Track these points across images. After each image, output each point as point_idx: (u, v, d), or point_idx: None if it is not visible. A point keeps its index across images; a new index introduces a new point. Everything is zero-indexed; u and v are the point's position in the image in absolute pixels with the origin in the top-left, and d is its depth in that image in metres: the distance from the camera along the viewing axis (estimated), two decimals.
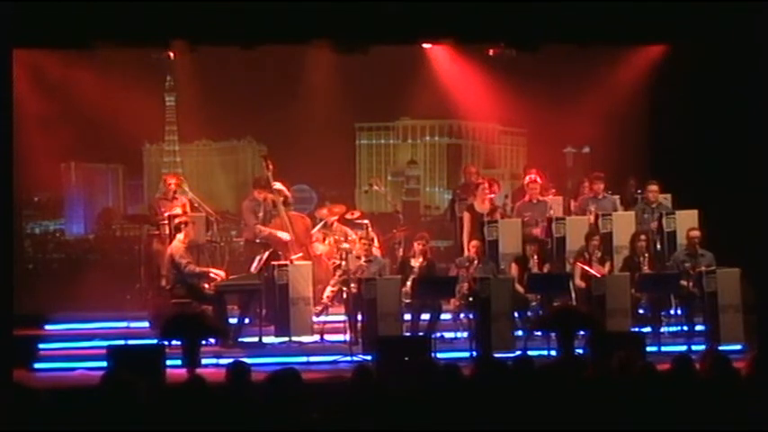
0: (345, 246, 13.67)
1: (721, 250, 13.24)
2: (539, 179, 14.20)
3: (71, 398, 7.04)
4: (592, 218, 13.88)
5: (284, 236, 13.84)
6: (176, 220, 13.20)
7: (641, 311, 13.08)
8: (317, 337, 13.12)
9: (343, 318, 13.18)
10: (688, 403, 7.07)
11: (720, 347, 12.05)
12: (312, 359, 12.39)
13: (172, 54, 14.69)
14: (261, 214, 13.96)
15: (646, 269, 13.10)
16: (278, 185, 13.96)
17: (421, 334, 12.63)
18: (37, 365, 12.20)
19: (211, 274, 13.01)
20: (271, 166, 14.03)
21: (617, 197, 14.61)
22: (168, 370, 11.08)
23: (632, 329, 12.57)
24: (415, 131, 17.09)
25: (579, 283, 13.06)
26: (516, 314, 12.81)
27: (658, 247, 13.87)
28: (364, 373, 7.22)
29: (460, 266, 13.28)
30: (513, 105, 15.82)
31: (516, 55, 14.78)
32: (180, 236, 12.98)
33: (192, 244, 13.26)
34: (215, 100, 15.31)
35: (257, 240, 13.88)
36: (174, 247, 12.94)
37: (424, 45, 15.34)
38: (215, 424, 6.59)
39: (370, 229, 13.58)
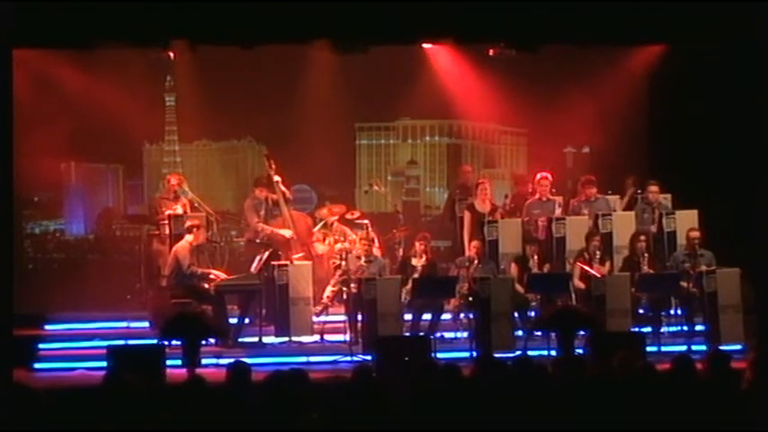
0: (345, 245, 13.68)
1: (721, 250, 13.24)
2: (549, 176, 14.19)
3: (71, 398, 7.04)
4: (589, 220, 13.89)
5: (286, 233, 13.87)
6: (189, 223, 13.22)
7: (641, 311, 13.08)
8: (317, 337, 13.13)
9: (343, 318, 13.19)
10: (688, 403, 7.07)
11: (720, 347, 12.03)
12: (312, 359, 12.39)
13: (172, 54, 14.67)
14: (262, 213, 13.98)
15: (646, 269, 13.10)
16: (277, 178, 13.98)
17: (421, 334, 12.64)
18: (37, 365, 12.20)
19: (212, 276, 13.02)
20: (273, 165, 14.06)
21: (616, 197, 14.61)
22: (168, 370, 11.09)
23: (632, 329, 12.57)
24: (415, 131, 17.07)
25: (579, 283, 13.06)
26: (516, 314, 12.82)
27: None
28: (364, 373, 7.22)
29: (460, 266, 13.28)
30: (513, 105, 15.81)
31: (516, 55, 14.78)
32: (189, 237, 13.00)
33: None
34: (215, 100, 15.29)
35: (258, 240, 13.89)
36: (179, 246, 12.95)
37: (424, 45, 15.34)
38: (215, 424, 6.59)
39: (370, 229, 13.58)
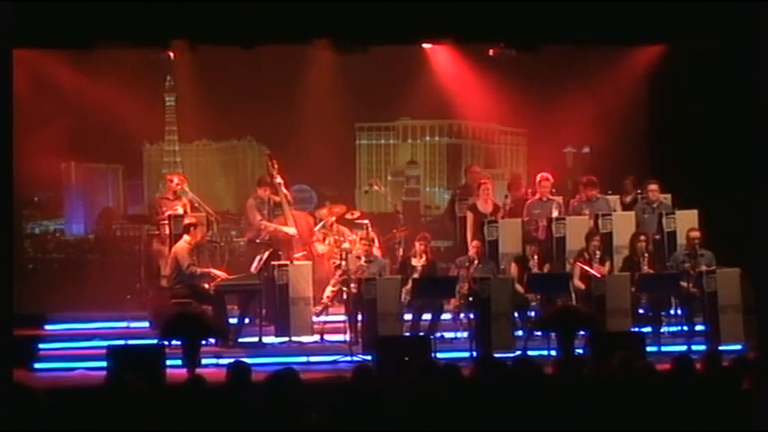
0: (345, 246, 13.68)
1: (721, 250, 13.24)
2: (550, 177, 14.18)
3: (71, 398, 7.03)
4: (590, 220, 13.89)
5: (290, 230, 13.90)
6: (186, 221, 13.23)
7: (641, 311, 13.08)
8: (317, 337, 13.13)
9: (343, 318, 13.19)
10: (688, 403, 7.07)
11: (720, 347, 12.03)
12: (312, 359, 12.41)
13: (172, 54, 14.69)
14: (265, 212, 14.00)
15: (646, 269, 13.10)
16: (279, 180, 14.00)
17: (421, 334, 12.64)
18: (37, 365, 12.22)
19: (212, 275, 13.01)
20: (276, 165, 14.07)
21: (616, 197, 14.60)
22: (168, 370, 11.08)
23: (632, 329, 12.57)
24: (415, 131, 17.07)
25: (579, 283, 13.06)
26: (516, 314, 12.82)
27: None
28: (364, 373, 7.22)
29: (460, 266, 13.28)
30: (513, 105, 15.82)
31: (516, 55, 14.80)
32: (187, 237, 13.00)
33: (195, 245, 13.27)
34: (215, 100, 15.30)
35: (258, 240, 13.90)
36: (178, 246, 12.95)
37: (424, 45, 15.35)
38: (215, 424, 6.60)
39: (370, 229, 13.58)
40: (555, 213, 13.92)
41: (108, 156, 16.15)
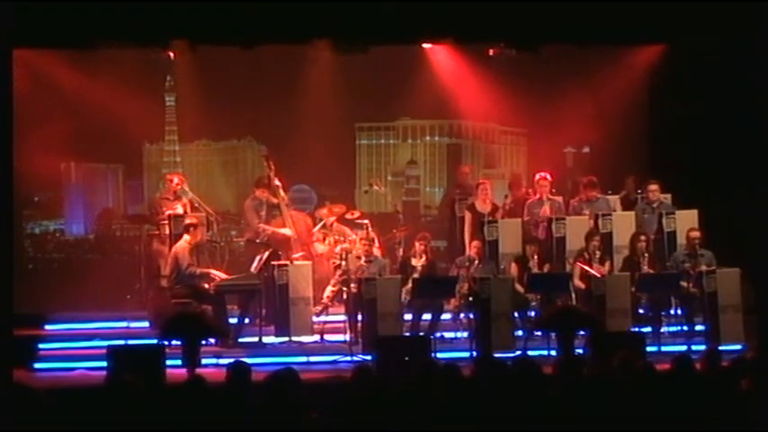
0: (345, 246, 13.69)
1: (721, 250, 13.24)
2: (548, 177, 14.19)
3: (71, 398, 7.03)
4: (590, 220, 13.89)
5: (287, 231, 13.90)
6: (186, 221, 13.22)
7: (641, 311, 13.08)
8: (317, 337, 13.12)
9: (343, 318, 13.19)
10: (688, 403, 7.07)
11: (720, 347, 12.03)
12: (312, 359, 12.40)
13: (172, 54, 14.70)
14: (263, 213, 14.00)
15: (646, 269, 13.10)
16: (277, 182, 14.02)
17: (421, 334, 12.64)
18: (37, 365, 12.21)
19: (211, 275, 13.01)
20: (273, 166, 14.08)
21: (616, 197, 14.61)
22: (168, 370, 11.08)
23: (632, 329, 12.57)
24: (415, 131, 17.07)
25: (579, 283, 13.06)
26: (516, 314, 12.82)
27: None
28: (364, 373, 7.23)
29: (460, 266, 13.28)
30: (513, 105, 15.82)
31: (516, 55, 14.81)
32: (187, 237, 12.99)
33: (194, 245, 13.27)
34: (215, 100, 15.31)
35: (258, 240, 13.90)
36: (179, 246, 12.94)
37: (424, 45, 15.35)
38: (215, 424, 6.60)
39: (370, 229, 13.58)
40: (545, 209, 13.90)
41: (108, 156, 16.15)
